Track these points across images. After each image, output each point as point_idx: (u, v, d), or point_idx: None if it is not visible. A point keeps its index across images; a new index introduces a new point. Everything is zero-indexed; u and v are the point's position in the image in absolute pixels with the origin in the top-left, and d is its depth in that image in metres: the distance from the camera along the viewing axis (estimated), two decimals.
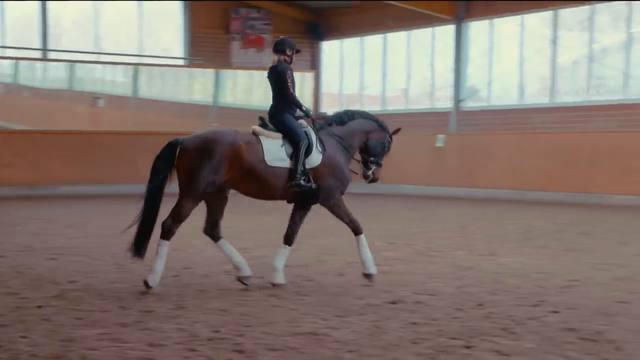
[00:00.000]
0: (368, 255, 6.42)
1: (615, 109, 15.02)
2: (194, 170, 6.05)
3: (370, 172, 6.67)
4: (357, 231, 6.45)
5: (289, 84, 6.38)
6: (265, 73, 6.60)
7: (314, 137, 6.38)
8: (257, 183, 6.25)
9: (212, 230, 6.32)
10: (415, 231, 10.12)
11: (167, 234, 6.07)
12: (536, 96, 16.74)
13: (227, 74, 19.68)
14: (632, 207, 13.50)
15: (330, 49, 20.59)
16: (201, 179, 6.04)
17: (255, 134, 6.33)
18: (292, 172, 6.27)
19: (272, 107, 6.44)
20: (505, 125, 16.78)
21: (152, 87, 18.68)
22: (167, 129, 15.91)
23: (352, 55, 20.06)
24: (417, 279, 6.59)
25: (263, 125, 6.42)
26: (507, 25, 16.92)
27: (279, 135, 6.34)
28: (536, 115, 16.26)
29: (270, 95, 6.49)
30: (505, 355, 4.23)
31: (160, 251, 6.04)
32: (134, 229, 6.14)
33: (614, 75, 15.28)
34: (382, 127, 6.67)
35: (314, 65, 20.39)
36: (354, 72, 19.97)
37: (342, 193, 6.49)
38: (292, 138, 6.32)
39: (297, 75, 7.03)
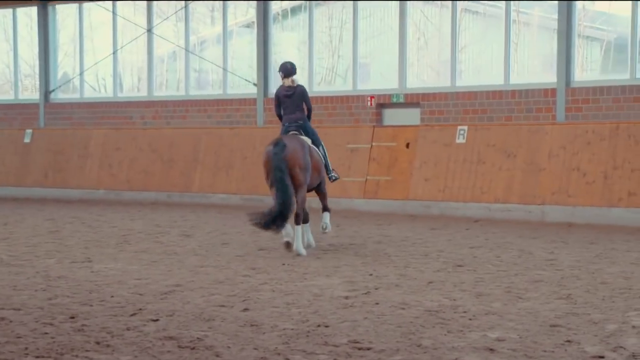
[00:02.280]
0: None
1: (214, 104, 15.22)
2: (308, 164, 8.74)
3: None
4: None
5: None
6: None
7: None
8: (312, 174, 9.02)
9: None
10: None
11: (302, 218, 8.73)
12: (133, 89, 16.46)
13: None
14: (232, 207, 13.67)
15: None
16: (309, 171, 8.78)
17: None
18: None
19: (298, 118, 9.19)
20: (100, 119, 16.31)
21: None
22: None
23: None
24: (0, 292, 6.34)
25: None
26: (99, 11, 16.38)
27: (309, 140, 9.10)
28: (133, 109, 16.00)
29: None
30: None
31: (298, 230, 8.59)
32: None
33: (212, 69, 15.38)
34: None
35: None
36: None
37: None
38: (317, 141, 9.29)
39: None
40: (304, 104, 9.30)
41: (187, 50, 15.49)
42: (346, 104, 13.96)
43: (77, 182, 15.88)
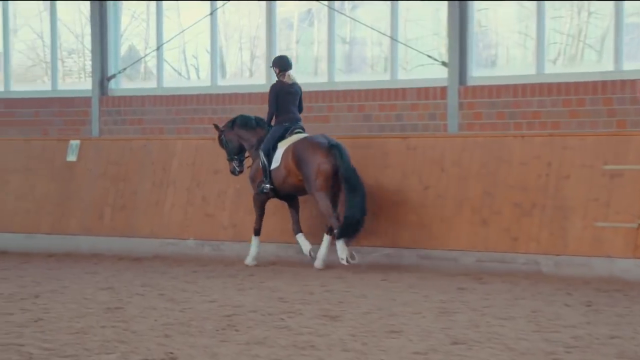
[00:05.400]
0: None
1: (374, 96, 13.68)
2: None
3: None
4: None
5: None
6: None
7: None
8: None
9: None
10: None
11: None
12: (241, 73, 15.54)
13: None
14: (401, 266, 12.57)
15: None
16: None
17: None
18: None
19: (299, 118, 11.74)
20: (189, 122, 14.92)
21: None
22: None
23: None
24: None
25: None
26: None
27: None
28: (241, 105, 14.49)
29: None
30: None
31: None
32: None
33: (372, 40, 14.35)
34: None
35: None
36: None
37: None
38: None
39: None
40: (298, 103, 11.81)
41: (331, 9, 13.97)
42: (601, 95, 12.54)
43: (150, 226, 14.42)
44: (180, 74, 16.07)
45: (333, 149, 11.08)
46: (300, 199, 12.15)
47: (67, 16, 16.15)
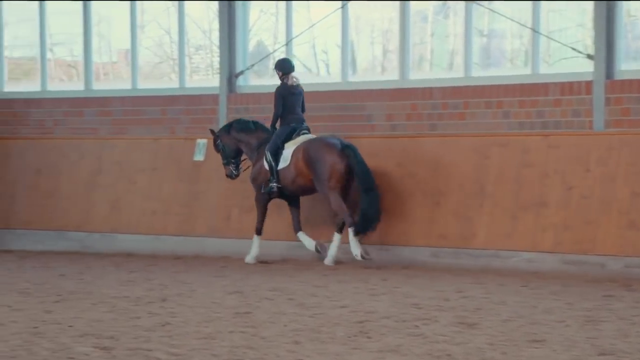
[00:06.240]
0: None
1: (514, 92, 13.50)
2: None
3: None
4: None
5: None
6: None
7: None
8: None
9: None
10: None
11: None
12: (373, 68, 15.56)
13: None
14: (546, 275, 12.24)
15: None
16: None
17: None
18: None
19: (304, 119, 12.52)
20: (318, 119, 14.61)
21: None
22: None
23: None
24: None
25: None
26: None
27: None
28: (374, 102, 14.47)
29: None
30: None
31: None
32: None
33: (512, 31, 14.09)
34: None
35: None
36: None
37: None
38: None
39: None
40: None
41: (469, 0, 13.79)
42: None
43: (276, 228, 14.34)
44: (309, 69, 16.12)
45: (346, 149, 11.81)
46: (301, 198, 12.79)
47: (195, 12, 16.34)
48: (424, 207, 13.61)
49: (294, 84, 12.46)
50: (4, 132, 17.20)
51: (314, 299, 10.64)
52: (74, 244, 15.02)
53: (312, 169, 12.08)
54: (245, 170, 13.24)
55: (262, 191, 12.54)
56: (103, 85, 16.84)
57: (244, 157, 13.23)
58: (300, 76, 14.81)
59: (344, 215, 12.02)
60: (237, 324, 9.09)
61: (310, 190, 12.43)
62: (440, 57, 15.28)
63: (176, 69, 16.78)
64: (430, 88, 13.97)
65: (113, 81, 17.19)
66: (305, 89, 15.03)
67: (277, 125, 12.58)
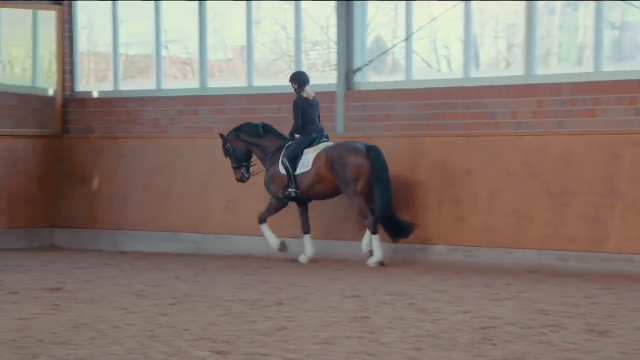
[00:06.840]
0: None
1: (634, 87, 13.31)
2: None
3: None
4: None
5: None
6: None
7: None
8: None
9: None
10: None
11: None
12: (496, 64, 15.39)
13: None
14: None
15: None
16: None
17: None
18: None
19: (323, 129, 13.17)
20: (439, 117, 14.77)
21: None
22: None
23: None
24: None
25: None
26: None
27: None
28: (497, 99, 14.40)
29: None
30: None
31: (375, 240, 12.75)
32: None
33: None
34: None
35: None
36: None
37: None
38: None
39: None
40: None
41: None
42: None
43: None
44: (430, 65, 15.90)
45: (371, 151, 12.36)
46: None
47: (312, 8, 16.33)
48: (550, 209, 13.39)
49: (310, 97, 13.02)
50: (118, 131, 17.34)
51: (434, 304, 10.49)
52: (189, 245, 15.13)
53: (334, 173, 12.55)
54: (256, 174, 13.70)
55: (281, 197, 12.97)
56: (218, 82, 16.95)
57: (253, 161, 13.74)
58: (421, 72, 14.75)
59: (365, 219, 12.54)
60: (355, 329, 9.00)
61: (327, 196, 12.89)
62: (569, 51, 15.00)
63: (292, 65, 16.71)
64: (558, 84, 13.74)
65: (228, 79, 17.30)
66: (426, 85, 14.97)
67: (296, 135, 13.16)
